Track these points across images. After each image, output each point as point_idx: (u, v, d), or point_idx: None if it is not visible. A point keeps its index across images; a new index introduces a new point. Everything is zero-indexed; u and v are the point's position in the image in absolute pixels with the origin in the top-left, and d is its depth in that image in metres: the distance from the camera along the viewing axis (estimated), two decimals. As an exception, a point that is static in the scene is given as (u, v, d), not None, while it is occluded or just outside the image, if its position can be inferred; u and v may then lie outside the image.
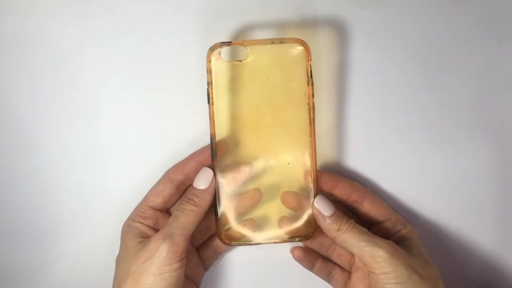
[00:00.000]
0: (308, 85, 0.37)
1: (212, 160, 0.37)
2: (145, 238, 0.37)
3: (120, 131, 0.41)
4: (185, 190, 0.38)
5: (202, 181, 0.37)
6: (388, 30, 0.41)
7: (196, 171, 0.38)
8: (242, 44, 0.37)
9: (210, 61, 0.37)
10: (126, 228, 0.38)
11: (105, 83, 0.41)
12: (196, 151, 0.39)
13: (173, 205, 0.39)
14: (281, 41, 0.37)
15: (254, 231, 0.38)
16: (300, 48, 0.37)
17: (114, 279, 0.37)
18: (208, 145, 0.38)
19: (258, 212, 0.38)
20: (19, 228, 0.42)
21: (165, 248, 0.35)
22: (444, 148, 0.42)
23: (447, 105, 0.42)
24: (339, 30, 0.41)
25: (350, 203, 0.39)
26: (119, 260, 0.37)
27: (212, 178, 0.37)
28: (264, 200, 0.38)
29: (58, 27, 0.41)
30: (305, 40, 0.37)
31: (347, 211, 0.40)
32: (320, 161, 0.41)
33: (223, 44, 0.37)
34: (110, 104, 0.41)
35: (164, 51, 0.41)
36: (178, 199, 0.39)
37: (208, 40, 0.40)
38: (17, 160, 0.42)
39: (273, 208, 0.38)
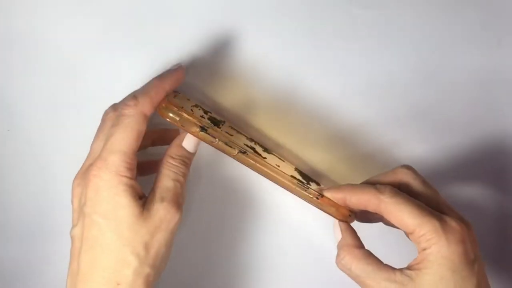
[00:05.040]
0: None
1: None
2: (140, 199, 0.33)
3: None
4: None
5: (193, 143, 0.35)
6: (387, 31, 0.41)
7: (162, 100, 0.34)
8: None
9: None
10: (122, 187, 0.32)
11: (106, 84, 0.41)
12: (164, 79, 0.35)
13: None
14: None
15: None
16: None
17: (103, 243, 0.32)
18: (173, 68, 0.36)
19: None
20: (19, 228, 0.42)
21: (180, 219, 0.33)
22: (444, 150, 0.42)
23: (447, 105, 0.42)
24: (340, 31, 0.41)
25: (373, 211, 0.34)
26: (119, 225, 0.32)
27: (198, 143, 0.35)
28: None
29: (58, 27, 0.41)
30: None
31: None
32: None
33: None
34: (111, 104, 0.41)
35: (165, 51, 0.41)
36: None
37: (208, 43, 0.40)
38: (17, 160, 0.42)
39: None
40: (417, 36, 0.41)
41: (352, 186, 0.35)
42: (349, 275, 0.34)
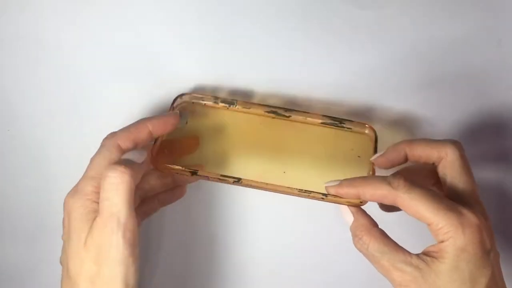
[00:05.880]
0: None
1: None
2: None
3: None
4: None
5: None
6: (388, 31, 0.41)
7: (146, 141, 0.35)
8: None
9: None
10: (88, 209, 0.33)
11: (105, 84, 0.41)
12: (149, 119, 0.36)
13: None
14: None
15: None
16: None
17: (101, 265, 0.31)
18: (166, 113, 0.37)
19: None
20: (19, 228, 0.42)
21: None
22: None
23: (447, 105, 0.42)
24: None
25: (388, 204, 0.34)
26: (110, 248, 0.31)
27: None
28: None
29: (58, 26, 0.41)
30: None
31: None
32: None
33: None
34: (111, 104, 0.42)
35: (164, 50, 0.41)
36: None
37: (211, 46, 0.40)
38: (17, 160, 0.42)
39: None
40: (416, 36, 0.41)
41: (365, 181, 0.34)
42: (365, 254, 0.34)
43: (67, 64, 0.41)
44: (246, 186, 0.36)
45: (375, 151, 0.37)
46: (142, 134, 0.35)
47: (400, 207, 0.33)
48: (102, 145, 0.35)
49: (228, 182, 0.36)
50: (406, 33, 0.41)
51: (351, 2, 0.41)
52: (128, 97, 0.41)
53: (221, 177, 0.35)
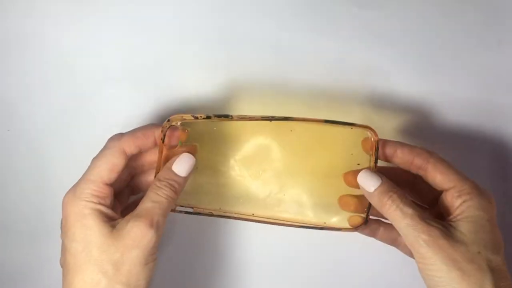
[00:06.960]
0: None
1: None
2: (110, 221, 0.34)
3: (120, 130, 0.41)
4: (128, 165, 0.36)
5: (184, 168, 0.35)
6: (388, 31, 0.41)
7: (150, 148, 0.36)
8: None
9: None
10: (88, 211, 0.33)
11: (105, 83, 0.41)
12: (156, 126, 0.36)
13: (118, 180, 0.36)
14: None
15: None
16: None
17: (75, 266, 0.33)
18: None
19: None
20: (19, 228, 0.42)
21: (153, 238, 0.33)
22: (443, 149, 0.42)
23: (447, 105, 0.42)
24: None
25: (414, 170, 0.36)
26: (87, 246, 0.33)
27: (193, 167, 0.36)
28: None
29: (58, 27, 0.41)
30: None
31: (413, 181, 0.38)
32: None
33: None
34: (110, 104, 0.41)
35: (164, 51, 0.41)
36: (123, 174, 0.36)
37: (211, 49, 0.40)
38: (17, 160, 0.42)
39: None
40: (417, 36, 0.41)
41: (400, 142, 0.36)
42: (393, 215, 0.34)
43: (67, 64, 0.41)
44: (231, 217, 0.38)
45: (376, 158, 0.36)
46: (149, 141, 0.36)
47: (429, 169, 0.35)
48: (107, 147, 0.35)
49: (231, 218, 0.38)
50: (406, 33, 0.41)
51: (353, 2, 0.41)
52: (128, 97, 0.41)
53: (224, 214, 0.38)
